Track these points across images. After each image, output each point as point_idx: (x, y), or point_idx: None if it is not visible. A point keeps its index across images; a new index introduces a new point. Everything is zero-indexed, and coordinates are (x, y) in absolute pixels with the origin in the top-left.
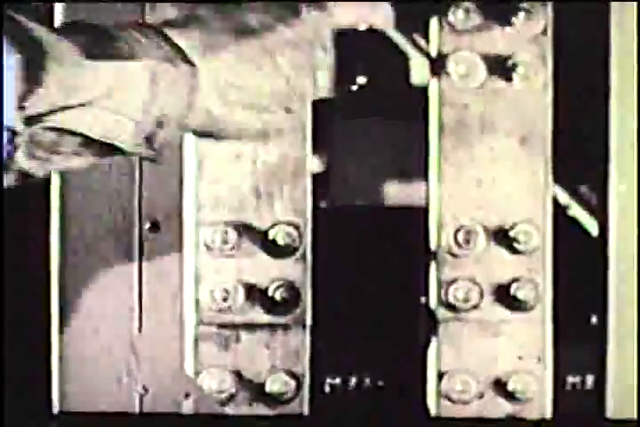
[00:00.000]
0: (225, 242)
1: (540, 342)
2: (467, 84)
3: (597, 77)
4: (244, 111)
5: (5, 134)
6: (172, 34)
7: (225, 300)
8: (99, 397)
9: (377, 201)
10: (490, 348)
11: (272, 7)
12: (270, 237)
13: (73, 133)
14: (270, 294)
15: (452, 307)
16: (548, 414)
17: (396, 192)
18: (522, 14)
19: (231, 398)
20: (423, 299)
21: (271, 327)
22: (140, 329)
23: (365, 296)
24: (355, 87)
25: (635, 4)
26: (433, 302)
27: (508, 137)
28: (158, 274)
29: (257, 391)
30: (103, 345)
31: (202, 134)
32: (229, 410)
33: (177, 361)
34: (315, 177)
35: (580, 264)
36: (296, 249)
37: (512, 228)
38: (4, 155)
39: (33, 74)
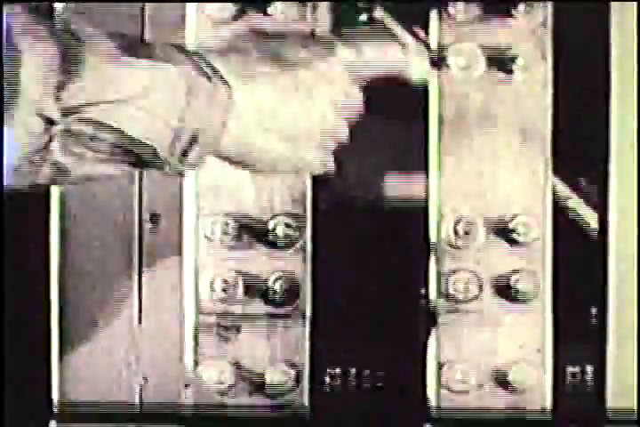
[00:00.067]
0: (225, 233)
1: (540, 332)
2: (466, 76)
3: (597, 77)
4: (280, 142)
5: (40, 123)
6: (210, 57)
7: (225, 291)
8: (99, 387)
9: (377, 192)
10: (489, 339)
11: (310, 43)
12: (270, 227)
13: (109, 130)
14: (270, 284)
15: (451, 298)
16: (548, 404)
17: (395, 184)
18: (522, 6)
19: (231, 388)
20: (423, 290)
21: (271, 318)
22: (139, 320)
23: (365, 288)
24: None
25: (635, 4)
26: (433, 294)
27: (507, 129)
28: (158, 265)
29: (256, 382)
30: (104, 336)
31: (235, 162)
32: (229, 401)
33: (177, 352)
34: None
35: (579, 255)
36: (296, 240)
37: (512, 219)
38: (38, 146)
39: (70, 65)
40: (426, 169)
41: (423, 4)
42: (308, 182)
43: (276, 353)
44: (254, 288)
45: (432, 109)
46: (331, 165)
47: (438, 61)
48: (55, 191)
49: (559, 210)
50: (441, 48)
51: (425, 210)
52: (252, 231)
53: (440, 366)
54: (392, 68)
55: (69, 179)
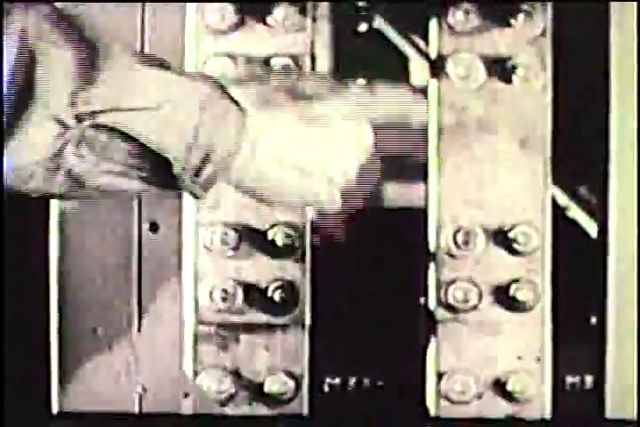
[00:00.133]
0: (224, 243)
1: (540, 342)
2: (466, 86)
3: (597, 77)
4: (292, 173)
5: (55, 127)
6: (226, 82)
7: (224, 300)
8: (98, 396)
9: (376, 202)
10: (489, 348)
11: (325, 78)
12: (269, 237)
13: (123, 138)
14: (269, 294)
15: (451, 308)
16: (548, 414)
17: (395, 193)
18: (521, 16)
19: (230, 398)
20: (422, 299)
21: (270, 328)
22: (139, 329)
23: (365, 297)
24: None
25: (635, 4)
26: (432, 303)
27: (507, 138)
28: (158, 274)
29: (256, 391)
30: (103, 345)
31: (246, 191)
32: (229, 410)
33: (176, 361)
34: None
35: (579, 265)
36: (295, 249)
37: (511, 229)
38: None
39: (85, 72)
40: (425, 178)
41: (423, 14)
42: None
43: (276, 362)
44: (253, 298)
45: (432, 119)
46: (338, 203)
47: (438, 71)
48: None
49: (559, 219)
50: (441, 58)
51: (424, 220)
52: (251, 241)
53: (440, 375)
54: (399, 111)
55: (83, 191)
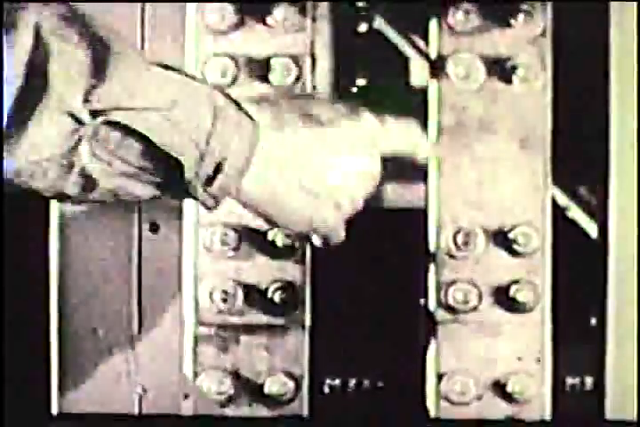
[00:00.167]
0: (224, 243)
1: (539, 343)
2: (466, 86)
3: (597, 78)
4: (300, 195)
5: (69, 122)
6: (241, 101)
7: (224, 301)
8: (98, 398)
9: (376, 202)
10: (489, 349)
11: (337, 104)
12: (270, 238)
13: (137, 137)
14: (269, 295)
15: (451, 309)
16: (548, 415)
17: (395, 193)
18: (521, 16)
19: (230, 399)
20: (422, 301)
21: (270, 329)
22: (139, 330)
23: (365, 298)
24: (355, 89)
25: (635, 4)
26: (432, 304)
27: (507, 139)
28: (158, 275)
29: (256, 393)
30: (103, 346)
31: (254, 208)
32: (229, 411)
33: (176, 362)
34: None
35: (579, 266)
36: (295, 250)
37: (511, 230)
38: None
39: (99, 69)
40: (425, 179)
41: (423, 15)
42: None
43: (276, 363)
44: (254, 298)
45: (432, 119)
46: (342, 234)
47: (438, 71)
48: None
49: (559, 220)
50: (441, 58)
51: (424, 220)
52: (251, 242)
53: (440, 376)
54: (407, 144)
55: (96, 194)
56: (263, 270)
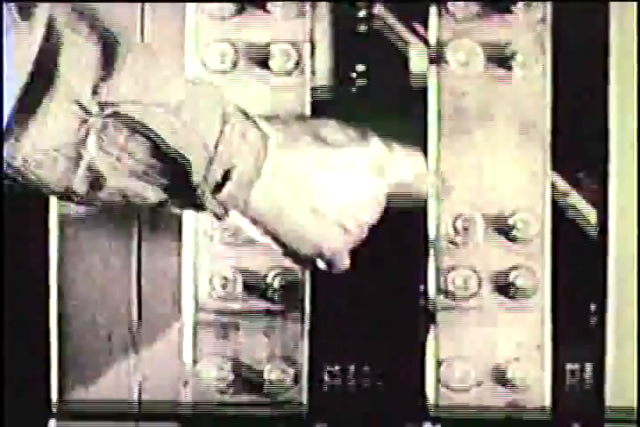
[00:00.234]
0: (224, 230)
1: (539, 329)
2: (466, 72)
3: (597, 76)
4: (307, 213)
5: (78, 112)
6: (253, 115)
7: (224, 287)
8: (98, 384)
9: None
10: (489, 336)
11: (346, 128)
12: None
13: (145, 131)
14: (269, 281)
15: (450, 295)
16: (547, 401)
17: None
18: (521, 2)
19: (229, 385)
20: (422, 287)
21: (270, 315)
22: (139, 316)
23: (364, 285)
24: (354, 75)
25: (635, 4)
26: (432, 291)
27: (506, 125)
28: (158, 261)
29: (255, 380)
30: (102, 332)
31: (260, 224)
32: (228, 398)
33: (176, 349)
34: None
35: (578, 252)
36: None
37: (511, 216)
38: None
39: (108, 63)
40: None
41: (423, 0)
42: None
43: (275, 351)
44: (253, 285)
45: (431, 106)
46: (347, 262)
47: (437, 57)
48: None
49: (558, 206)
50: (440, 44)
51: (424, 207)
52: None
53: (439, 363)
54: (411, 176)
55: (104, 193)
56: (263, 257)
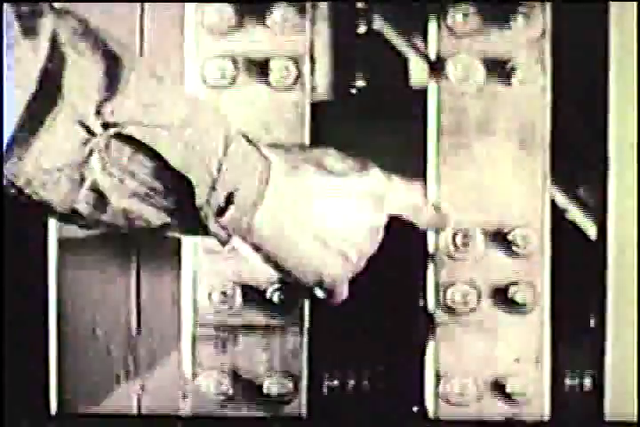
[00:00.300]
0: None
1: (538, 344)
2: (465, 87)
3: (597, 78)
4: (310, 240)
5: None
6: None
7: (223, 302)
8: (97, 397)
9: None
10: (488, 350)
11: (348, 158)
12: None
13: (148, 153)
14: (268, 295)
15: (450, 309)
16: (547, 415)
17: None
18: (520, 17)
19: (229, 399)
20: (421, 301)
21: (269, 329)
22: (138, 330)
23: (364, 298)
24: (354, 90)
25: (635, 4)
26: (431, 305)
27: (506, 140)
28: (157, 275)
29: (255, 393)
30: (101, 346)
31: (262, 251)
32: (227, 411)
33: (175, 362)
34: None
35: (578, 267)
36: None
37: (510, 231)
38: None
39: (111, 84)
40: (424, 180)
41: (422, 16)
42: None
43: (275, 364)
44: (252, 299)
45: (431, 120)
46: (345, 292)
47: (437, 72)
48: None
49: (558, 221)
50: (440, 59)
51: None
52: None
53: (438, 377)
54: (410, 207)
55: (107, 215)
56: (263, 271)
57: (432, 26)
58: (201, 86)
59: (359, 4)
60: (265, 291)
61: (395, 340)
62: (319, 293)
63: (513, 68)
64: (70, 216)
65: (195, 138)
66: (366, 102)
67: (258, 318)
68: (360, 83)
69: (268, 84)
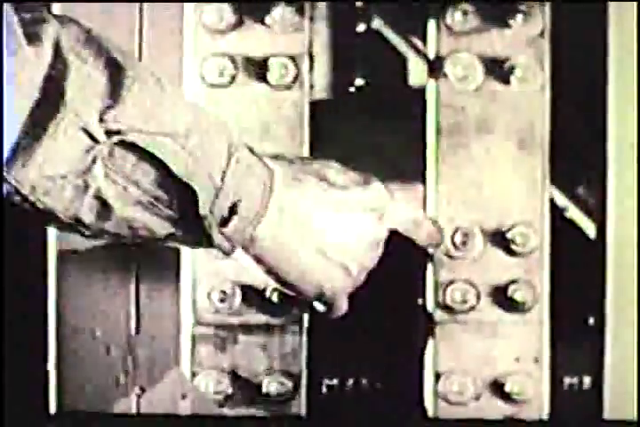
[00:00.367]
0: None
1: (538, 343)
2: (464, 86)
3: (596, 78)
4: (312, 252)
5: (84, 139)
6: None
7: (222, 301)
8: (96, 397)
9: None
10: (487, 349)
11: (349, 171)
12: None
13: (152, 162)
14: (267, 295)
15: (449, 309)
16: (546, 415)
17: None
18: (520, 16)
19: (228, 399)
20: (420, 301)
21: (268, 328)
22: (137, 330)
23: (363, 297)
24: (353, 89)
25: (634, 4)
26: (430, 304)
27: (505, 139)
28: (156, 275)
29: (254, 392)
30: (100, 346)
31: (264, 263)
32: (226, 411)
33: (174, 362)
34: None
35: (577, 265)
36: None
37: (509, 229)
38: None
39: (114, 91)
40: (423, 179)
41: (421, 15)
42: None
43: (274, 363)
44: (251, 298)
45: (430, 119)
46: (345, 306)
47: (436, 71)
48: None
49: (557, 220)
50: (439, 58)
51: None
52: None
53: (437, 376)
54: (410, 221)
55: (111, 224)
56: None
57: (431, 25)
58: (200, 85)
59: (358, 4)
60: (264, 290)
61: (394, 339)
62: (319, 306)
63: (512, 68)
64: (73, 225)
65: (198, 146)
66: (365, 101)
67: (257, 317)
68: (359, 82)
69: (267, 82)
